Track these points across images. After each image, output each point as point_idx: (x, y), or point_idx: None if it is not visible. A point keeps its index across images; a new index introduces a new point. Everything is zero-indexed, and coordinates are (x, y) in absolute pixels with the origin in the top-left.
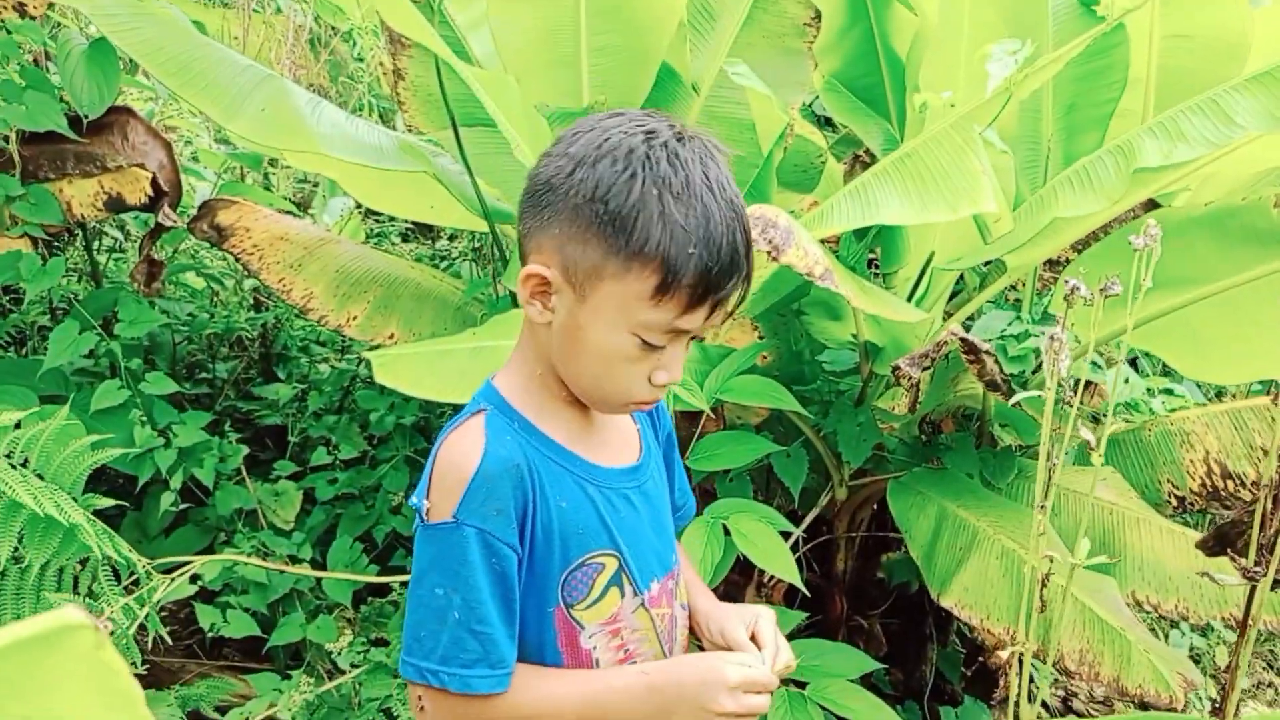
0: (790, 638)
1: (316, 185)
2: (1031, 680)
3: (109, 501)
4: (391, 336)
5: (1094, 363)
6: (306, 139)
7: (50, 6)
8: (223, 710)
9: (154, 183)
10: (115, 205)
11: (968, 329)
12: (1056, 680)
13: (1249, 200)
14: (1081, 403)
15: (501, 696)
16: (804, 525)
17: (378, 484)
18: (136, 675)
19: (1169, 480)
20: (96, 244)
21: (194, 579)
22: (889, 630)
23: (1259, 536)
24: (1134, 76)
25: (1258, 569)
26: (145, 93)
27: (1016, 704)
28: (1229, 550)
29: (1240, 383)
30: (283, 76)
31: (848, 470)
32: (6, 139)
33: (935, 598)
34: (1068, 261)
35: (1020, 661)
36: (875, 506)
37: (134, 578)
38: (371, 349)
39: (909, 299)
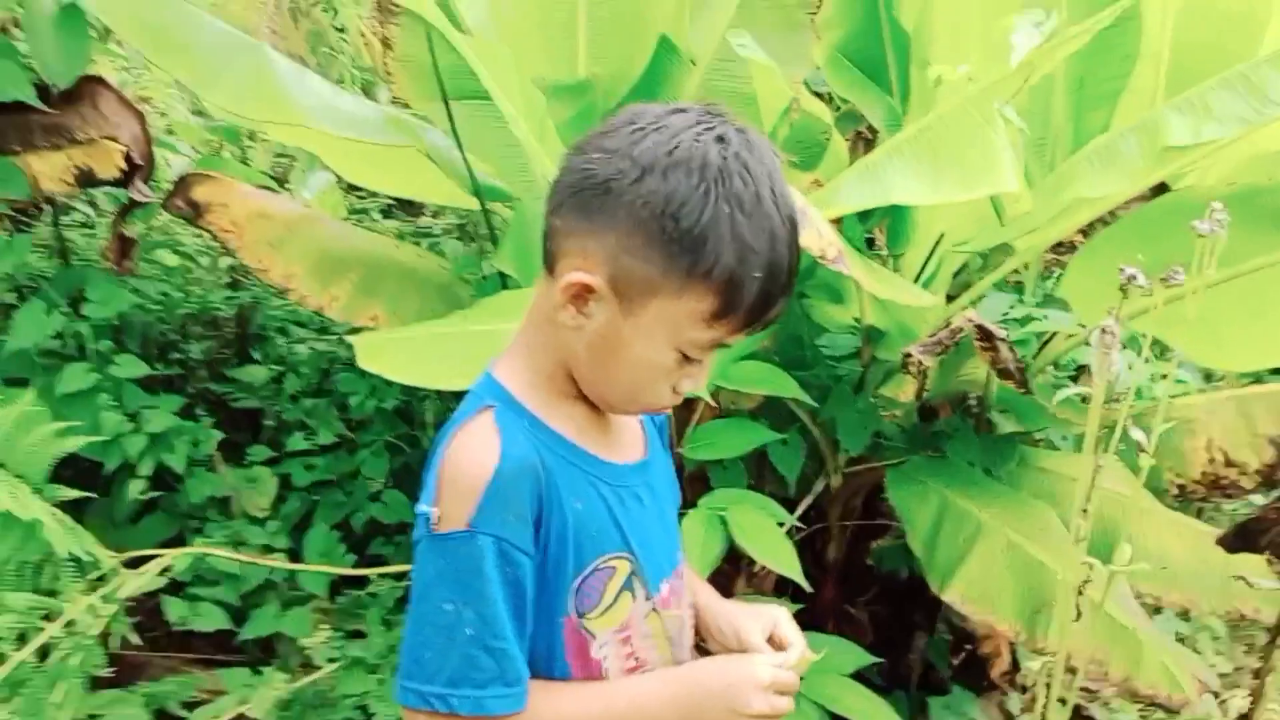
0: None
1: (295, 160)
2: (1019, 669)
3: (74, 493)
4: (375, 318)
5: (1091, 343)
6: (290, 111)
7: None
8: (191, 707)
9: (127, 156)
10: (86, 179)
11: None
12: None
13: (1275, 181)
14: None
15: (515, 717)
16: (798, 513)
17: (356, 470)
18: (101, 675)
19: (1170, 468)
20: (66, 220)
21: (163, 570)
22: (876, 618)
23: None
24: (1147, 51)
25: None
26: (118, 62)
27: (1044, 712)
28: (1254, 547)
29: (1258, 369)
30: (264, 45)
31: (844, 457)
32: None
33: (937, 591)
34: (1072, 245)
35: (1014, 657)
36: (866, 493)
37: (100, 573)
38: (353, 331)
39: (916, 281)
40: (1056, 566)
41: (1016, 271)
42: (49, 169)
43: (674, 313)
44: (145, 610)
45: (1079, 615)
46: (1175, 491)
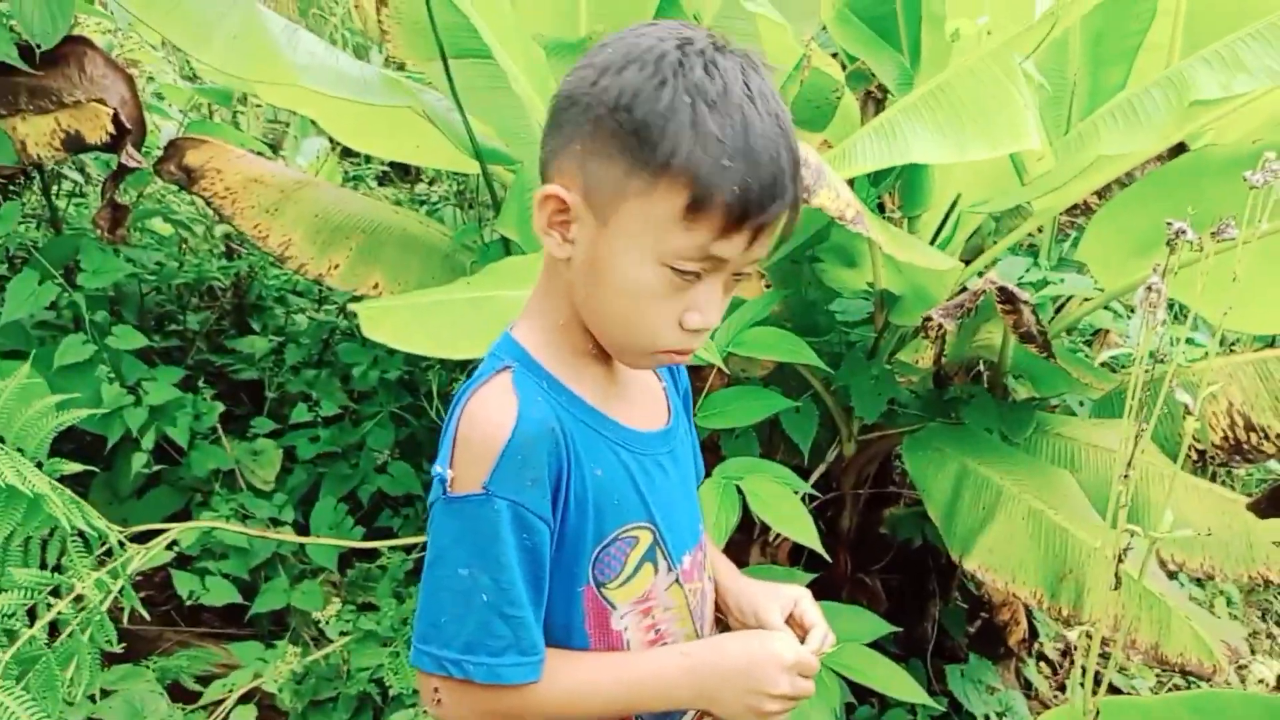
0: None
1: (288, 125)
2: (1036, 637)
3: (76, 466)
4: (375, 286)
5: (1109, 308)
6: (283, 70)
7: None
8: (204, 681)
9: (115, 120)
10: (74, 144)
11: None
12: (1061, 637)
13: None
14: (1095, 352)
15: (531, 686)
16: (811, 481)
17: (361, 441)
18: (112, 651)
19: (1184, 427)
20: (55, 188)
21: (170, 545)
22: (890, 586)
23: None
24: (1162, 7)
25: None
26: (104, 23)
27: (1080, 683)
28: None
29: (1277, 332)
30: (256, 1)
31: (857, 425)
32: None
33: (956, 559)
34: (1087, 206)
35: (1031, 623)
36: (880, 460)
37: (106, 547)
38: (353, 299)
39: (931, 243)
40: (1079, 533)
41: (1031, 235)
42: (36, 133)
43: (648, 215)
44: (155, 584)
45: (1118, 584)
46: (1195, 457)
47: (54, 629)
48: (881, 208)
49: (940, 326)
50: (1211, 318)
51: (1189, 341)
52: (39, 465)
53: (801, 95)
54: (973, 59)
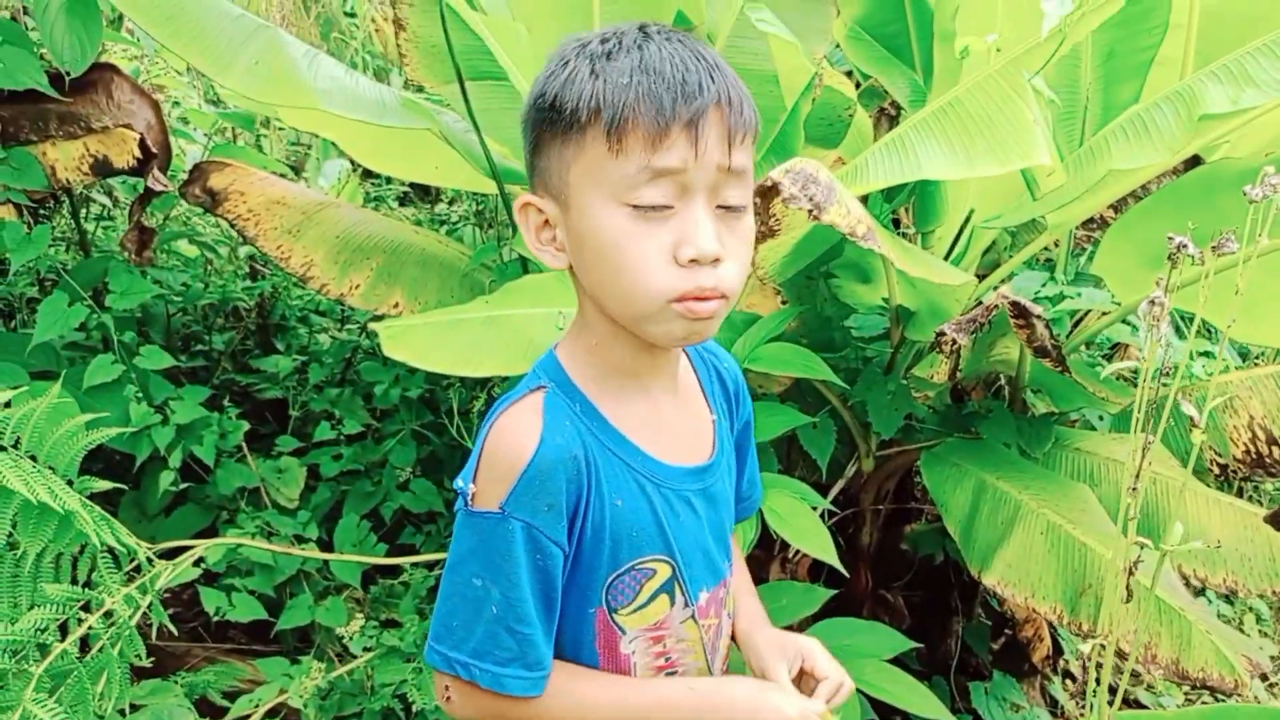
0: (816, 615)
1: (310, 148)
2: (1061, 654)
3: (105, 484)
4: (396, 306)
5: (1127, 322)
6: (304, 94)
7: None
8: (231, 697)
9: (142, 144)
10: (102, 168)
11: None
12: (1083, 655)
13: None
14: (1171, 379)
15: (534, 699)
16: (830, 498)
17: (384, 459)
18: (141, 666)
19: (1211, 447)
20: (85, 212)
21: (197, 562)
22: (912, 603)
23: None
24: (1174, 21)
25: None
26: (131, 50)
27: (1094, 694)
28: None
29: None
30: (277, 28)
31: (875, 441)
32: None
33: (975, 575)
34: (1103, 220)
35: (1054, 644)
36: (900, 476)
37: (135, 564)
38: (374, 319)
39: (945, 259)
40: (1099, 547)
41: (1047, 249)
42: (65, 158)
43: (587, 169)
44: (183, 601)
45: (1129, 597)
46: (1216, 471)
47: (85, 644)
48: (897, 224)
49: (954, 341)
50: (1223, 327)
51: (1205, 355)
52: (69, 483)
53: (814, 113)
54: (982, 75)
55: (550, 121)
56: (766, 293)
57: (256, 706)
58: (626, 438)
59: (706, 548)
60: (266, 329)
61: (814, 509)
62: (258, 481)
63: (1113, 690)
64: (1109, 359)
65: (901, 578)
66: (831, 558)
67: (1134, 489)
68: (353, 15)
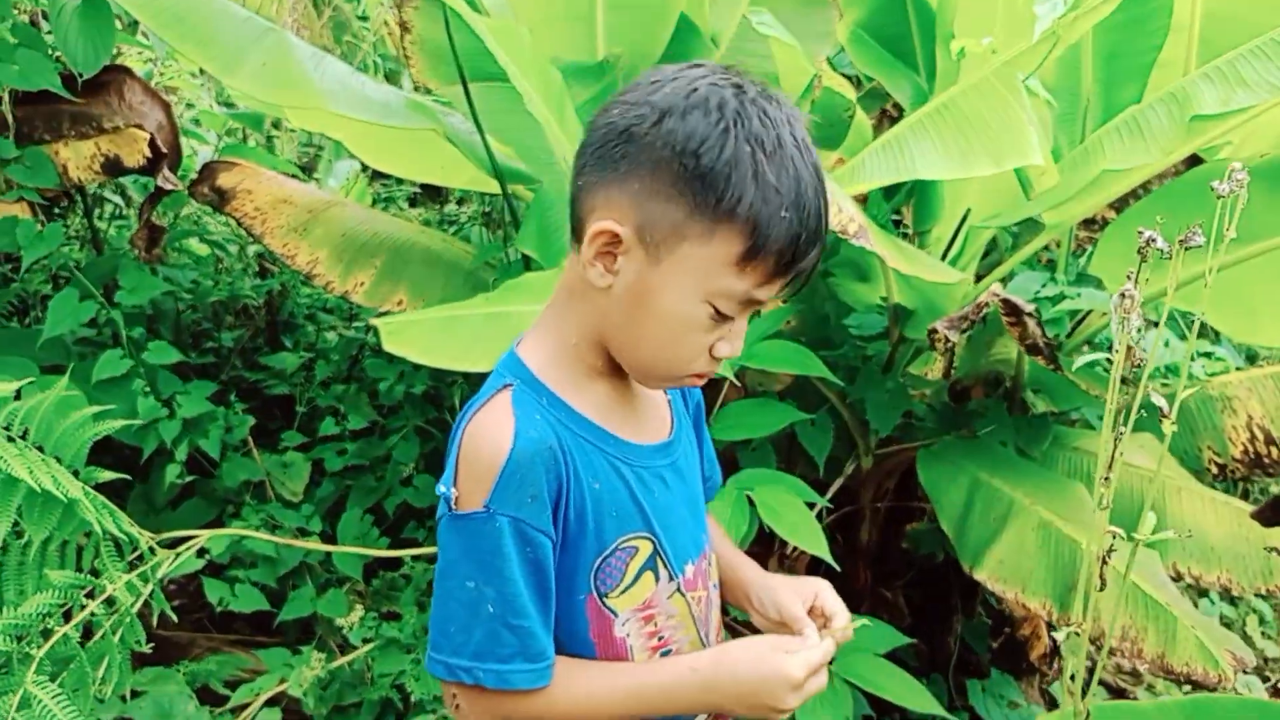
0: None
1: (321, 149)
2: (1058, 653)
3: (110, 474)
4: (400, 303)
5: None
6: (310, 94)
7: None
8: (232, 686)
9: (152, 144)
10: (113, 167)
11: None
12: (1089, 654)
13: None
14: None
15: (541, 691)
16: (829, 495)
17: (388, 455)
18: (142, 652)
19: (1209, 447)
20: (99, 211)
21: (201, 553)
22: (913, 601)
23: None
24: (1176, 23)
25: None
26: (144, 53)
27: (1067, 685)
28: None
29: None
30: (285, 31)
31: (874, 439)
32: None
33: (967, 571)
34: (1104, 221)
35: (1052, 642)
36: (900, 475)
37: (138, 553)
38: (379, 316)
39: (943, 259)
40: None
41: (1049, 250)
42: (77, 157)
43: (703, 257)
44: (189, 593)
45: (1103, 585)
46: (1215, 471)
47: (88, 631)
48: (899, 223)
49: (946, 339)
50: (1224, 330)
51: (1206, 356)
52: (75, 473)
53: (813, 114)
54: (977, 77)
55: (692, 190)
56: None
57: (256, 695)
58: (594, 423)
59: (684, 520)
60: (275, 326)
61: (810, 505)
62: (263, 475)
63: (1107, 687)
64: (1110, 360)
65: (902, 576)
66: (823, 551)
67: (1106, 479)
68: (365, 19)
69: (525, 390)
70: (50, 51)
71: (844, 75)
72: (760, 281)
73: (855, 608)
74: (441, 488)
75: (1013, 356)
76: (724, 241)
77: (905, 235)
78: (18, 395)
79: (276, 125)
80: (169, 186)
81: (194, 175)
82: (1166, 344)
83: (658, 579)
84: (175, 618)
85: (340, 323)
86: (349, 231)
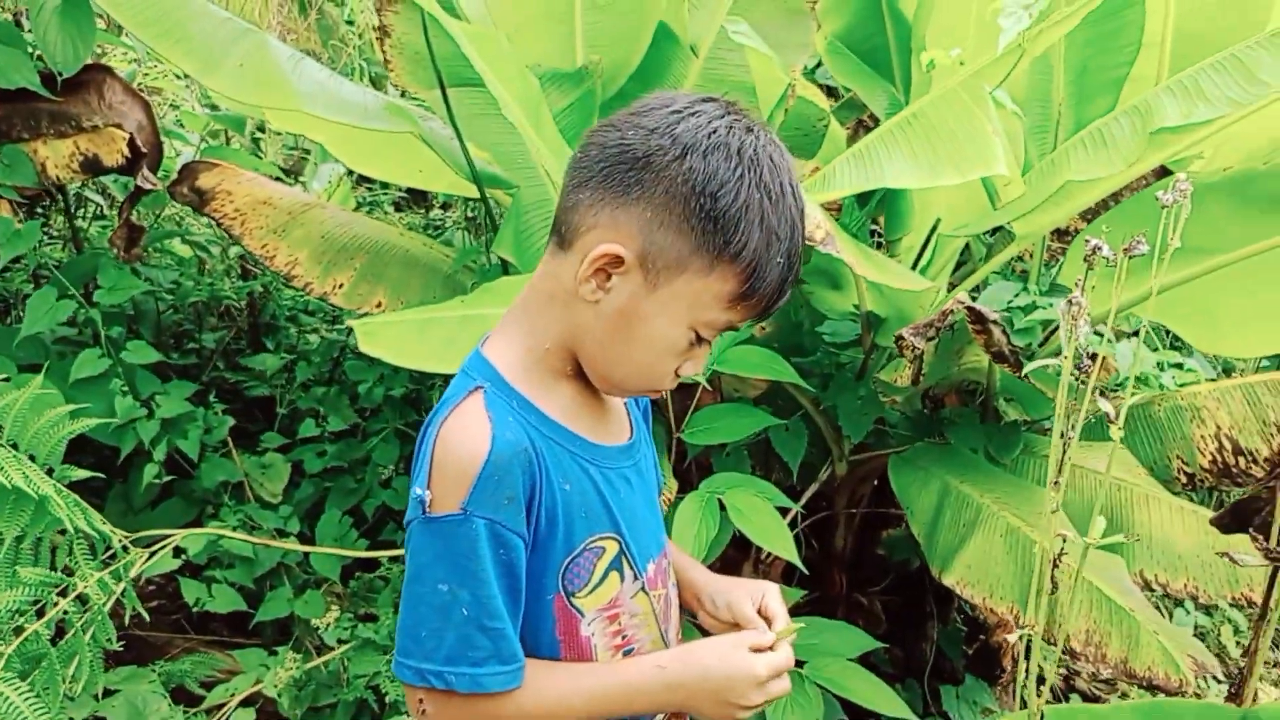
0: (789, 615)
1: (307, 153)
2: (1030, 660)
3: (84, 473)
4: (379, 305)
5: (1098, 333)
6: (287, 96)
7: None
8: (208, 686)
9: (131, 143)
10: (92, 166)
11: (974, 300)
12: (1059, 660)
13: (1270, 165)
14: (1089, 377)
15: (511, 694)
16: (802, 501)
17: (367, 457)
18: (113, 651)
19: (1178, 456)
20: (81, 211)
21: (178, 553)
22: (889, 607)
23: None
24: (1148, 39)
25: (1279, 549)
26: (129, 54)
27: (1024, 686)
28: (1247, 528)
29: (1255, 356)
30: (264, 32)
31: (848, 445)
32: None
33: (936, 576)
34: (1076, 232)
35: (1029, 645)
36: (876, 482)
37: (111, 552)
38: (359, 318)
39: (913, 268)
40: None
41: (1022, 260)
42: (56, 156)
43: (698, 290)
44: (167, 594)
45: (1055, 588)
46: (1184, 480)
47: (61, 630)
48: (876, 233)
49: (913, 346)
50: (1191, 341)
51: (1176, 367)
52: (49, 471)
53: (789, 123)
54: (944, 88)
55: (703, 228)
56: None
57: (232, 696)
58: (563, 425)
59: (646, 519)
60: (257, 328)
61: (784, 511)
62: (241, 476)
63: (1082, 695)
64: (1081, 369)
65: (878, 582)
66: (792, 555)
67: (1056, 483)
68: (352, 22)
69: (496, 394)
70: (30, 50)
71: (822, 86)
72: (744, 315)
73: (831, 613)
74: (417, 490)
75: (984, 365)
76: (721, 279)
77: (880, 244)
78: None
79: (262, 129)
80: (148, 186)
81: (174, 176)
82: (1135, 355)
83: (623, 578)
84: (148, 616)
85: (322, 325)
86: (328, 233)
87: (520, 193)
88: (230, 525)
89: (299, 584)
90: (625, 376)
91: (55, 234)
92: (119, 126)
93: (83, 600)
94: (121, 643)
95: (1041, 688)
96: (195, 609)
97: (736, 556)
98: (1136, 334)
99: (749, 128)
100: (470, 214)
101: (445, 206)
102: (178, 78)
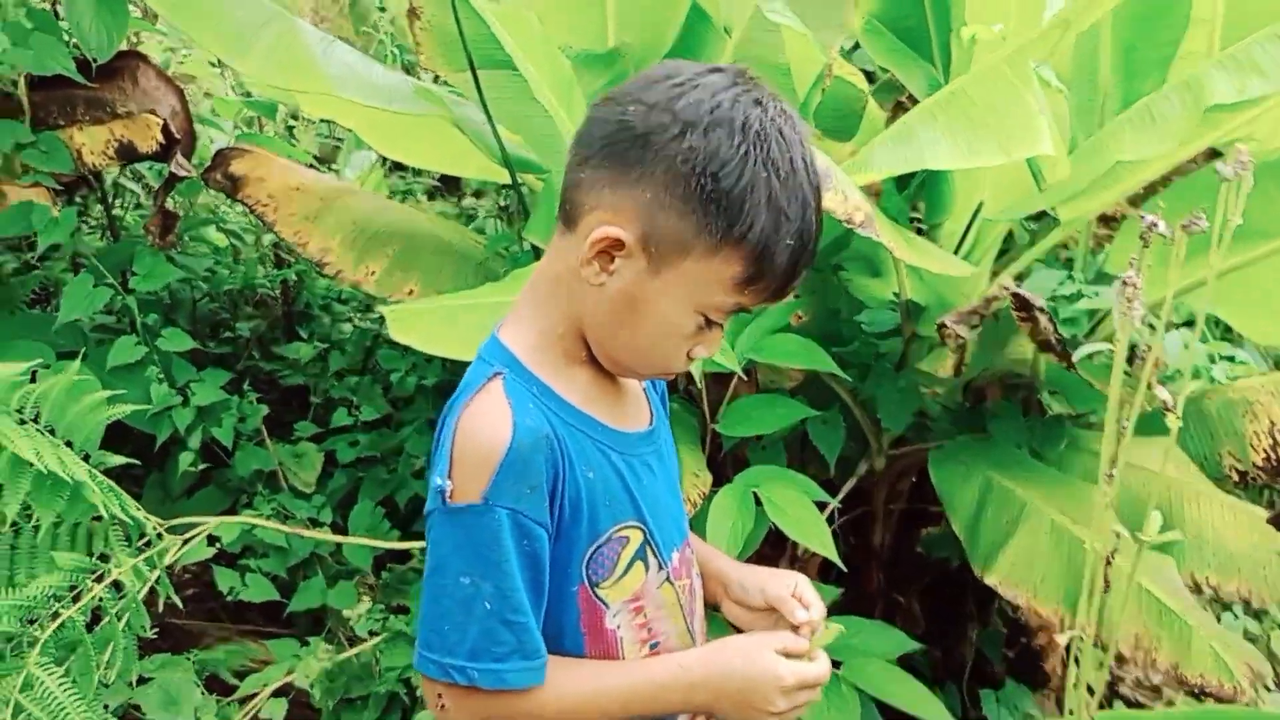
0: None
1: (341, 141)
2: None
3: (120, 459)
4: (411, 292)
5: (1150, 324)
6: (317, 79)
7: None
8: (241, 676)
9: (165, 130)
10: (126, 153)
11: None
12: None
13: None
14: (1133, 369)
15: (533, 691)
16: (840, 495)
17: (400, 447)
18: (148, 639)
19: (1230, 453)
20: (119, 199)
21: (212, 541)
22: (927, 607)
23: None
24: (1198, 15)
25: None
26: (163, 41)
27: (1073, 693)
28: None
29: None
30: (295, 16)
31: (887, 438)
32: (15, 84)
33: (978, 574)
34: (1123, 218)
35: (1068, 647)
36: (915, 477)
37: (146, 539)
38: (391, 305)
39: (955, 253)
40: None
41: (1066, 247)
42: (91, 142)
43: (703, 274)
44: (203, 583)
45: (1108, 587)
46: (1236, 478)
47: (96, 616)
48: (915, 219)
49: (956, 334)
50: (1244, 330)
51: (1229, 359)
52: (86, 457)
53: (826, 105)
54: (987, 64)
55: (705, 210)
56: None
57: (264, 686)
58: (584, 411)
59: (669, 506)
60: (290, 317)
61: (821, 506)
62: (275, 465)
63: (1126, 701)
64: (1129, 361)
65: (916, 582)
66: (830, 552)
67: (1110, 474)
68: (384, 9)
69: (515, 380)
70: (65, 36)
71: (865, 72)
72: (754, 299)
73: (867, 613)
74: (437, 480)
75: (1029, 356)
76: (727, 262)
77: (920, 230)
78: (33, 378)
79: (295, 116)
80: (182, 173)
81: (209, 162)
82: (1186, 346)
83: (647, 568)
84: (182, 605)
85: (355, 313)
86: (361, 220)
87: (552, 177)
88: (264, 514)
89: (332, 574)
90: (634, 360)
91: (93, 222)
92: (153, 113)
93: (118, 587)
94: (156, 630)
95: (1091, 698)
96: (230, 598)
97: (771, 554)
98: (1190, 324)
99: (757, 99)
100: (503, 203)
101: (478, 195)
102: (211, 65)
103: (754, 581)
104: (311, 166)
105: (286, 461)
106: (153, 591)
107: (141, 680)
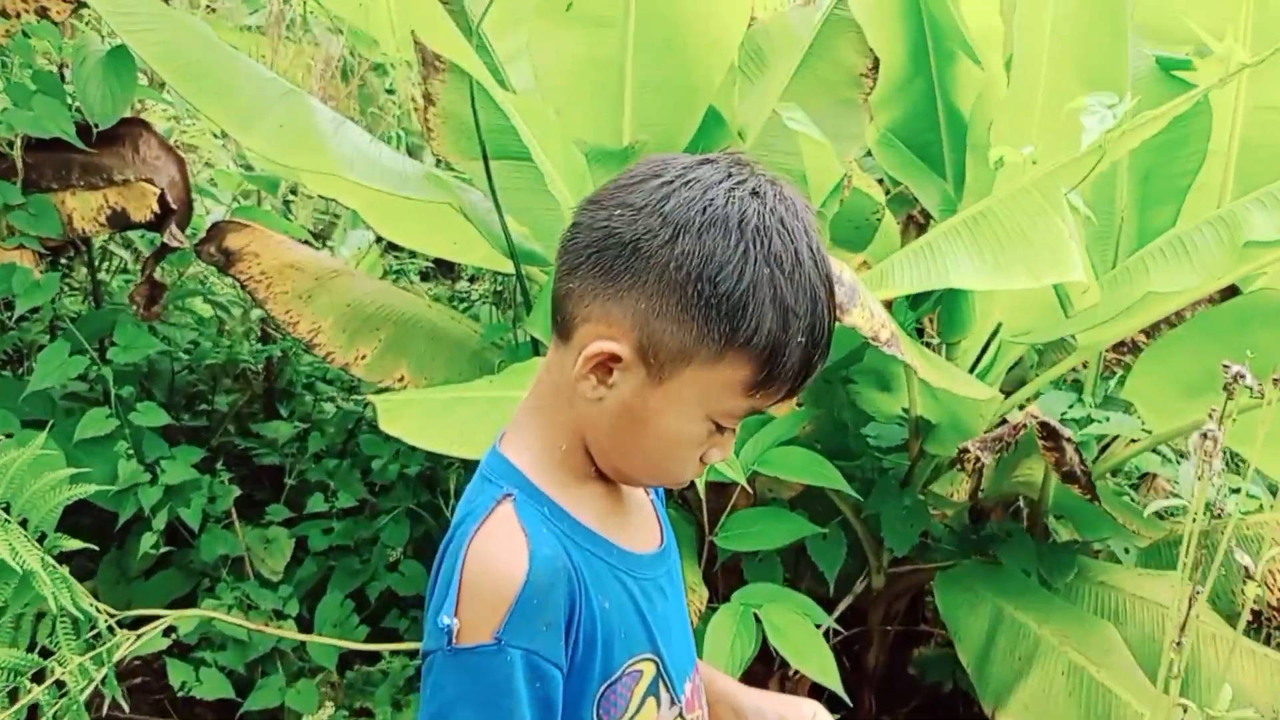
0: None
1: (338, 217)
2: None
3: (77, 543)
4: (401, 379)
5: (1162, 454)
6: (326, 159)
7: (77, 10)
8: None
9: (161, 199)
10: (119, 220)
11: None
12: None
13: None
14: (1142, 497)
15: None
16: (835, 614)
17: (375, 536)
18: None
19: (1242, 591)
20: (107, 264)
21: (167, 632)
22: None
23: None
24: (1213, 148)
25: None
26: (168, 110)
27: None
28: None
29: None
30: (307, 94)
31: (888, 557)
32: (11, 144)
33: (988, 711)
34: (1135, 344)
35: None
36: (910, 596)
37: (96, 631)
38: (379, 391)
39: (970, 371)
40: (1124, 694)
41: (1075, 369)
42: (83, 208)
43: (709, 381)
44: (153, 670)
45: None
46: (1251, 618)
47: (34, 716)
48: (921, 333)
49: (977, 459)
50: (1264, 468)
51: (1235, 491)
52: (42, 537)
53: (841, 215)
54: (1016, 187)
55: (705, 316)
56: None
57: None
58: (597, 533)
59: (680, 631)
60: (272, 394)
61: (817, 626)
62: (243, 550)
63: None
64: (1136, 488)
65: (907, 703)
66: (833, 681)
67: (1178, 643)
68: (392, 92)
69: (527, 502)
70: (69, 100)
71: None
72: (768, 401)
73: None
74: (444, 619)
75: (1037, 479)
76: (732, 367)
77: (929, 345)
78: None
79: (294, 191)
80: (174, 244)
81: (203, 234)
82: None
83: (659, 704)
84: (127, 708)
85: (339, 394)
86: (355, 301)
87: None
88: (226, 602)
89: (293, 671)
90: (644, 473)
91: (75, 285)
92: (151, 182)
93: (60, 685)
94: None
95: None
96: (181, 693)
97: (761, 671)
98: (1184, 455)
99: (754, 190)
100: (498, 288)
101: (472, 279)
102: (215, 136)
103: (773, 711)
104: (306, 242)
105: (255, 547)
106: (97, 688)
107: None
